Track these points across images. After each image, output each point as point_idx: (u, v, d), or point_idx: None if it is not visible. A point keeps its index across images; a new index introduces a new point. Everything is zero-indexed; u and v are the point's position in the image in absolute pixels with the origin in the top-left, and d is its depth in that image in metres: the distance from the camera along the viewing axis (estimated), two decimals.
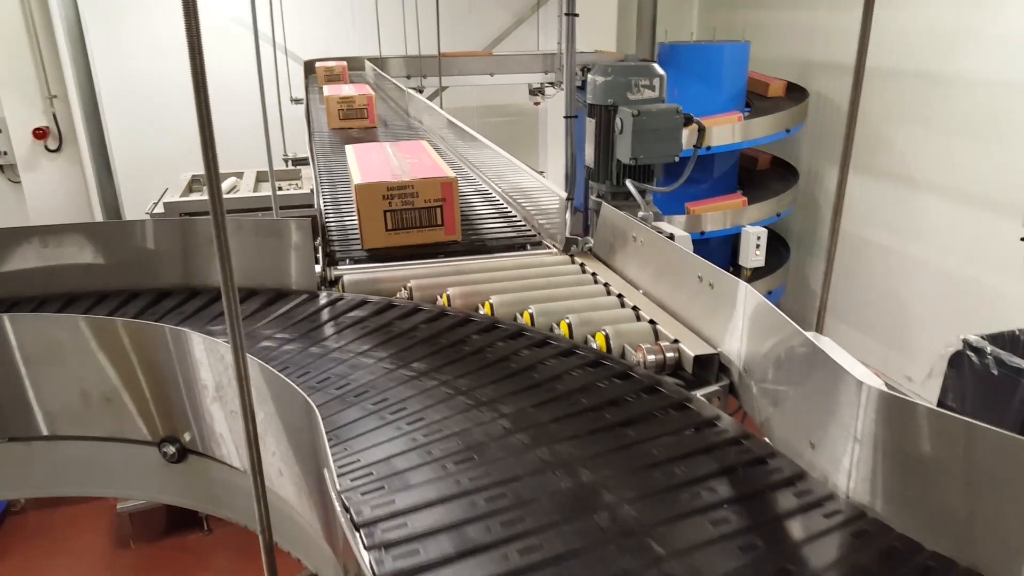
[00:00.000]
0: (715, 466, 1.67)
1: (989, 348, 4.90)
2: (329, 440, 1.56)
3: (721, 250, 7.95)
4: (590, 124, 3.62)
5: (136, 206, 8.87)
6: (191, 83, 1.18)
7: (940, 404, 5.14)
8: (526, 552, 1.39)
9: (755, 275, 7.41)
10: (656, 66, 3.46)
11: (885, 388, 1.50)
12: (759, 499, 1.59)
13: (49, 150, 8.95)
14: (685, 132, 3.39)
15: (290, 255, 2.79)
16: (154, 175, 7.77)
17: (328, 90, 6.11)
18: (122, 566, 6.22)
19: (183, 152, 8.34)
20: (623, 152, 3.37)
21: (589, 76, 3.54)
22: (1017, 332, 5.29)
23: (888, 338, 7.72)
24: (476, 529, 1.45)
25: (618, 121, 3.38)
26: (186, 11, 1.16)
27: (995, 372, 4.83)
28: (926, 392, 5.52)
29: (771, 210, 8.01)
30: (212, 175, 1.28)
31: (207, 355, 1.87)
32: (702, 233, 7.36)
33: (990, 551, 1.34)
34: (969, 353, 5.02)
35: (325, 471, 1.35)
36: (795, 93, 8.38)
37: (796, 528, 1.52)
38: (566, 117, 4.14)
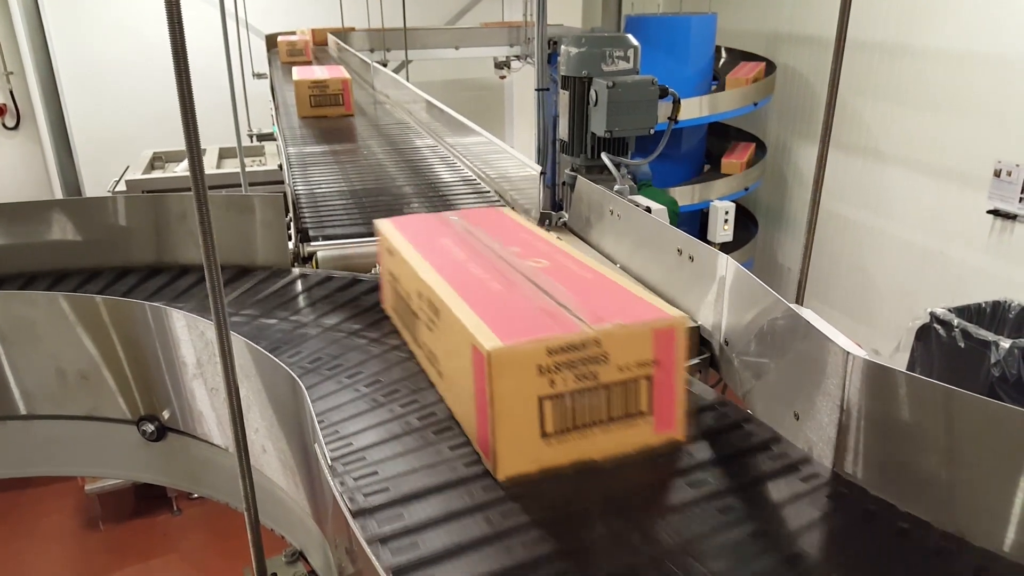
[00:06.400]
0: (693, 430, 1.67)
1: (956, 321, 4.97)
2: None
3: (689, 225, 7.97)
4: (563, 96, 3.60)
5: (97, 184, 8.73)
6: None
7: None
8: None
9: (723, 249, 7.42)
10: (630, 37, 3.44)
11: (869, 358, 1.52)
12: (737, 462, 1.60)
13: (7, 127, 8.77)
14: (661, 104, 3.39)
15: (263, 231, 2.75)
16: (114, 153, 7.67)
17: (297, 73, 5.47)
18: (91, 547, 6.16)
19: (144, 129, 8.29)
20: (598, 124, 3.36)
21: (562, 47, 3.51)
22: (983, 305, 5.37)
23: (855, 311, 7.80)
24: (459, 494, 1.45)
25: (592, 93, 3.36)
26: None
27: (962, 345, 4.90)
28: (894, 365, 5.56)
29: (739, 184, 8.05)
30: (194, 153, 1.25)
31: (188, 332, 1.84)
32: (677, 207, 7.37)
33: (968, 514, 1.36)
34: (936, 326, 5.09)
35: (316, 447, 1.34)
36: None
37: (773, 490, 1.53)
38: (537, 90, 4.11)
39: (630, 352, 1.49)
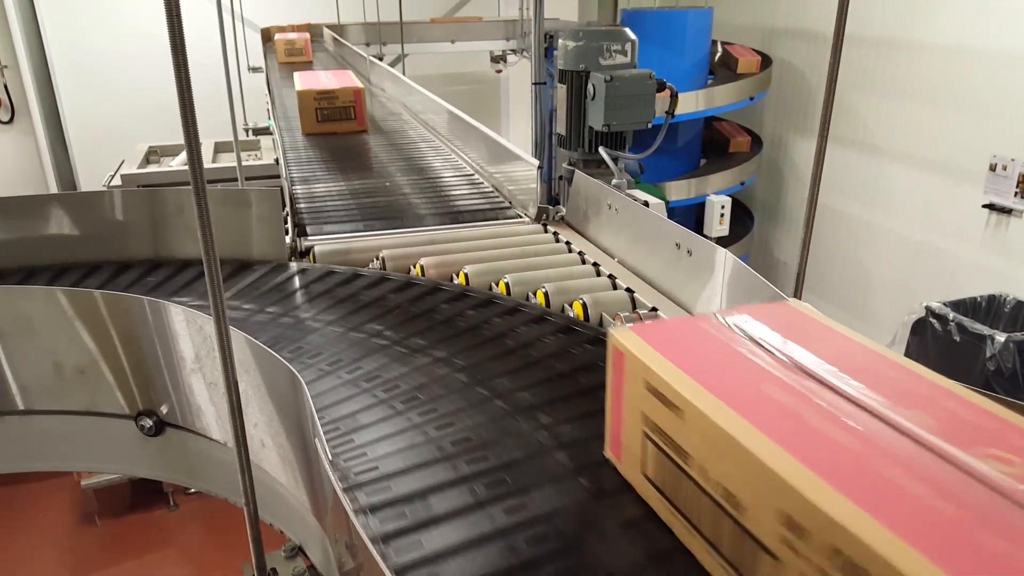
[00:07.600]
0: None
1: (951, 315, 4.99)
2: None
3: (685, 219, 7.97)
4: (560, 90, 3.59)
5: (92, 178, 8.70)
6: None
7: None
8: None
9: (719, 244, 7.41)
10: (628, 30, 3.43)
11: None
12: None
13: (1, 122, 8.73)
14: (658, 98, 3.38)
15: (259, 225, 2.75)
16: (109, 147, 7.64)
17: (301, 82, 4.62)
18: (87, 543, 6.16)
19: (139, 123, 8.27)
20: (595, 119, 3.35)
21: (560, 41, 3.50)
22: (979, 299, 5.39)
23: (851, 305, 7.81)
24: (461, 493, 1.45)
25: (590, 87, 3.35)
26: None
27: (957, 338, 4.91)
28: None
29: (735, 178, 8.05)
30: (192, 148, 1.25)
31: (186, 326, 1.84)
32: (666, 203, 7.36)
33: None
34: (932, 320, 5.11)
35: (316, 441, 1.33)
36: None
37: None
38: (534, 84, 4.10)
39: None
